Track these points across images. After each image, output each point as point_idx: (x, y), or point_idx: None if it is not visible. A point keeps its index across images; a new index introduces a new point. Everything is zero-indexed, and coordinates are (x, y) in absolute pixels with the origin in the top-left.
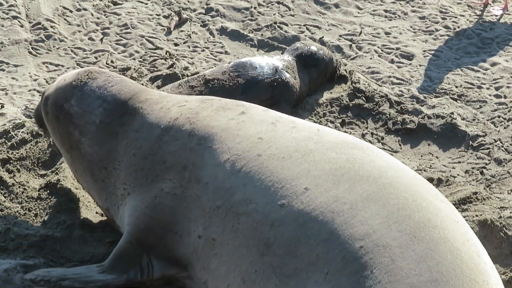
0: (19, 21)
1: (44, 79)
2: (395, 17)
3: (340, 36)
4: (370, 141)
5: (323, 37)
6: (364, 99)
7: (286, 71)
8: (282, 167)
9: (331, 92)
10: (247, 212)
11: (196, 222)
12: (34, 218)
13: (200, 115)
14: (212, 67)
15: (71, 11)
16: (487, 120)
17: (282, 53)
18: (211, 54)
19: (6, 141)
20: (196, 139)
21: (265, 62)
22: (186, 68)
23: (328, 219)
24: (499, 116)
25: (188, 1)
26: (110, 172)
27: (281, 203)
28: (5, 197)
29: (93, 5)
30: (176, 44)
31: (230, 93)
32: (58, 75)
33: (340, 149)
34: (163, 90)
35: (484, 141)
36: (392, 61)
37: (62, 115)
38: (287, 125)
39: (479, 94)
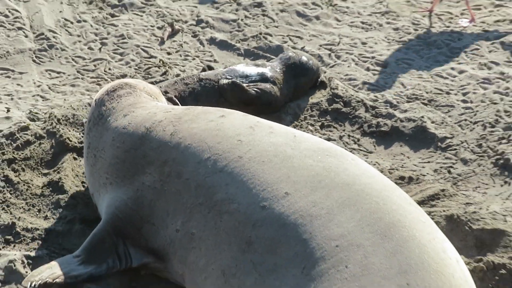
0: (24, 32)
1: (47, 85)
2: (371, 28)
3: (320, 45)
4: (347, 143)
5: (304, 46)
6: (342, 104)
7: (272, 80)
8: (263, 171)
9: (311, 97)
10: (229, 211)
11: (174, 216)
12: (37, 213)
13: (182, 119)
14: None
15: (72, 23)
16: (455, 123)
17: (269, 60)
18: (201, 62)
19: (12, 143)
20: (177, 137)
21: (255, 71)
22: (178, 75)
23: (307, 222)
24: (465, 120)
25: (180, 14)
26: (97, 159)
27: (263, 205)
28: (10, 194)
29: (92, 17)
30: (169, 53)
31: (217, 93)
32: (59, 81)
33: (316, 156)
34: (160, 87)
35: (452, 142)
36: (368, 69)
37: (96, 111)
38: (265, 130)
39: (447, 100)
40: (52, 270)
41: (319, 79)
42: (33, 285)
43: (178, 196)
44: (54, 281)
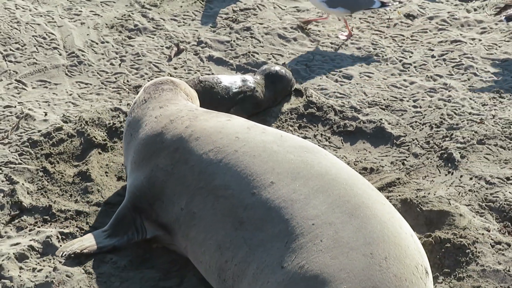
0: (58, 51)
1: (77, 94)
2: (339, 48)
3: (298, 62)
4: (320, 140)
5: (285, 62)
6: (316, 109)
7: (255, 85)
8: (253, 163)
9: (291, 104)
10: (225, 196)
11: (180, 196)
12: (69, 197)
13: (198, 118)
14: None
15: (97, 43)
16: (407, 124)
17: (254, 74)
18: (201, 75)
19: (49, 140)
20: (190, 130)
21: (240, 78)
22: None
23: (288, 205)
24: (416, 122)
25: (184, 36)
26: (132, 138)
27: (253, 192)
28: (47, 182)
29: (114, 39)
30: (175, 68)
31: (215, 93)
32: (87, 91)
33: (297, 152)
34: None
35: (405, 140)
36: (336, 81)
37: (142, 96)
38: (259, 130)
39: (401, 105)
40: (82, 243)
41: (293, 87)
42: (64, 254)
43: (184, 179)
44: (82, 251)
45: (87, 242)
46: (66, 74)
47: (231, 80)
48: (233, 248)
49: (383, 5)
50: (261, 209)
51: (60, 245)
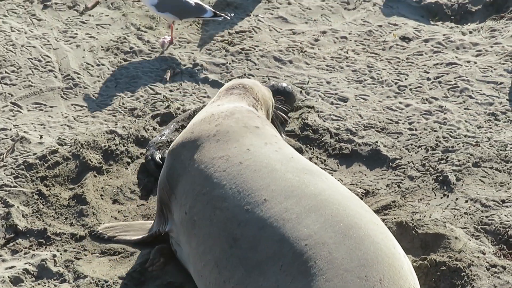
0: (54, 73)
1: (72, 116)
2: (334, 70)
3: (293, 84)
4: (315, 163)
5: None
6: (311, 131)
7: None
8: (252, 178)
9: (287, 126)
10: (221, 208)
11: (186, 197)
12: (64, 220)
13: (231, 116)
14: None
15: (92, 66)
16: (403, 147)
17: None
18: (197, 98)
19: (44, 163)
20: (216, 130)
21: None
22: (178, 108)
23: (280, 225)
24: (411, 144)
25: (180, 58)
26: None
27: (246, 208)
28: (43, 204)
29: (109, 61)
30: (171, 90)
31: None
32: (83, 113)
33: (296, 172)
34: (177, 122)
35: (401, 162)
36: (332, 103)
37: (216, 95)
38: (273, 148)
39: (396, 128)
40: (121, 230)
41: (295, 103)
42: (94, 234)
43: (193, 180)
44: (108, 237)
45: (124, 230)
46: (62, 97)
47: None
48: (230, 267)
49: (215, 15)
50: (254, 228)
51: (57, 269)
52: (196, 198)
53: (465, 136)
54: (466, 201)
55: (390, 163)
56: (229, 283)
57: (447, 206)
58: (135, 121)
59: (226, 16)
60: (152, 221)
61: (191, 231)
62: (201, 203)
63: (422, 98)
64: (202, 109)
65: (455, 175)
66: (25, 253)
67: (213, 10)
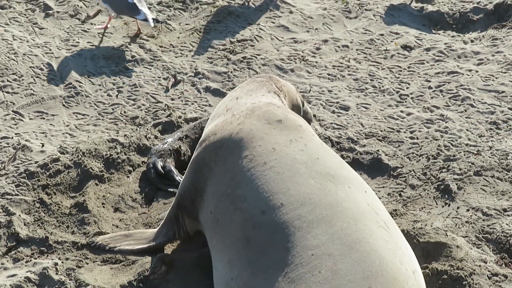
0: (55, 82)
1: (74, 125)
2: (336, 79)
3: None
4: None
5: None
6: None
7: None
8: (274, 180)
9: None
10: (241, 208)
11: (212, 198)
12: (66, 229)
13: (253, 113)
14: (200, 117)
15: (94, 74)
16: (404, 155)
17: None
18: (198, 106)
19: (46, 171)
20: (239, 128)
21: None
22: (180, 117)
23: (291, 232)
24: (413, 153)
25: (181, 67)
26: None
27: (263, 211)
28: (44, 213)
29: (111, 70)
30: (172, 99)
31: None
32: (84, 122)
33: (319, 179)
34: (182, 131)
35: (402, 171)
36: (333, 112)
37: (240, 84)
38: (299, 146)
39: (398, 136)
40: (122, 241)
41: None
42: (100, 245)
43: (219, 181)
44: (115, 249)
45: (125, 240)
46: (63, 105)
47: None
48: (239, 267)
49: (146, 20)
50: (267, 231)
51: (58, 277)
52: (221, 199)
53: (467, 144)
54: (468, 210)
55: (392, 172)
56: (235, 282)
57: (448, 215)
58: (136, 129)
59: (157, 23)
60: (154, 229)
61: (214, 229)
62: (225, 203)
63: (424, 106)
64: (222, 101)
65: (457, 184)
66: (26, 261)
67: (148, 15)
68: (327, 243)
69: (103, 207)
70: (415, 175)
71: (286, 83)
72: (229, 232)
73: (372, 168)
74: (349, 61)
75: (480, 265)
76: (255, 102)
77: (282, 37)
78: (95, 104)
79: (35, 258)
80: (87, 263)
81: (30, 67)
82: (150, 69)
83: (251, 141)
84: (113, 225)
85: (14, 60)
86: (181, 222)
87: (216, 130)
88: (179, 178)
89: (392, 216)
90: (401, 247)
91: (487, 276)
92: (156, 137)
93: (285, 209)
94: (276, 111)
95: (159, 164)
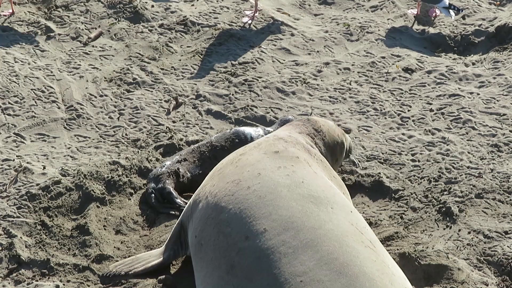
0: (57, 104)
1: (75, 147)
2: (337, 101)
3: (296, 115)
4: None
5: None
6: None
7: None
8: (256, 205)
9: None
10: (224, 233)
11: (198, 221)
12: (67, 251)
13: (261, 145)
14: (201, 139)
15: (95, 97)
16: (405, 178)
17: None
18: (200, 129)
19: (47, 194)
20: (239, 156)
21: (256, 132)
22: (181, 139)
23: (277, 258)
24: (414, 175)
25: (183, 89)
26: None
27: (246, 236)
28: (46, 235)
29: (112, 92)
30: (174, 122)
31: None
32: (86, 144)
33: (300, 201)
34: (180, 155)
35: (403, 194)
36: None
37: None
38: (286, 172)
39: (399, 159)
40: (131, 263)
41: None
42: (108, 275)
43: (207, 204)
44: (129, 272)
45: (136, 262)
46: (65, 128)
47: (248, 133)
48: None
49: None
50: (251, 257)
51: None
52: (206, 222)
53: (468, 167)
54: (469, 232)
55: (393, 194)
56: None
57: (450, 237)
58: (138, 152)
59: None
60: (161, 248)
61: (198, 254)
62: (209, 227)
63: (425, 129)
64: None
65: (458, 206)
66: (28, 284)
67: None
68: (315, 269)
69: (105, 229)
70: (417, 198)
71: (326, 122)
72: (212, 258)
73: (374, 190)
74: (350, 84)
75: None
76: (270, 136)
77: (284, 60)
78: (96, 126)
79: (37, 280)
80: (89, 286)
81: (31, 89)
82: (152, 91)
83: (243, 167)
84: (114, 247)
85: (15, 82)
86: (183, 240)
87: (223, 160)
88: (179, 200)
89: (394, 239)
90: (389, 265)
91: None
92: (157, 160)
93: (269, 234)
94: (278, 144)
95: (158, 188)
